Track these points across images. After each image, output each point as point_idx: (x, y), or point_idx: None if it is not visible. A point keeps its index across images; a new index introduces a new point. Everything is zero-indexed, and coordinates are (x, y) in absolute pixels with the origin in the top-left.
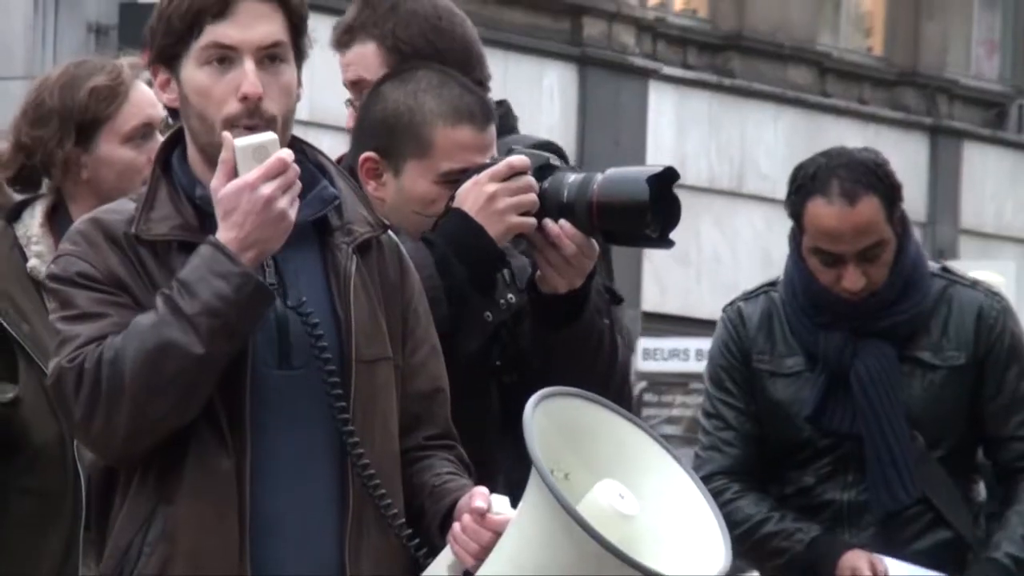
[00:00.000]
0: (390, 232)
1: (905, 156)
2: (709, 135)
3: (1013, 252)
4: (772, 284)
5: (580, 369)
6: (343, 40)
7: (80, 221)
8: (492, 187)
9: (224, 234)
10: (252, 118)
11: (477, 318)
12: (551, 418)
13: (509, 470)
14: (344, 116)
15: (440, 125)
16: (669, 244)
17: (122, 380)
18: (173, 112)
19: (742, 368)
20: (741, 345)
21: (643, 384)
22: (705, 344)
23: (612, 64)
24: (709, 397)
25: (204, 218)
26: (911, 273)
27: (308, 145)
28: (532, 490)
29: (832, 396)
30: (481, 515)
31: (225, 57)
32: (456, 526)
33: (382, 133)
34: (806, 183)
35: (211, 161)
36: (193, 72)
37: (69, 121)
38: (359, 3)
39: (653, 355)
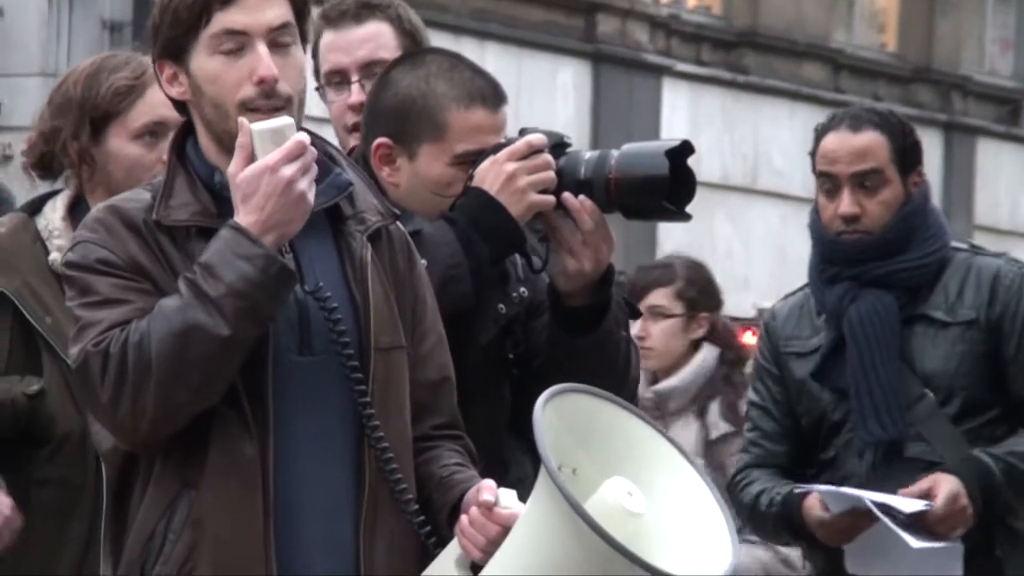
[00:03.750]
0: (398, 223)
1: None
2: (723, 132)
3: None
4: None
5: (593, 378)
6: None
7: (97, 209)
8: (511, 166)
9: (244, 217)
10: (269, 99)
11: (491, 309)
12: (561, 414)
13: (517, 464)
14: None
15: (454, 108)
16: (687, 217)
17: (148, 363)
18: (180, 106)
19: (771, 365)
20: (770, 341)
21: None
22: None
23: (626, 61)
24: (748, 401)
25: (221, 204)
26: (917, 227)
27: (317, 136)
28: (540, 487)
29: (837, 353)
30: (488, 509)
31: (236, 43)
32: (463, 519)
33: (395, 119)
34: (826, 124)
35: (227, 148)
36: (204, 61)
37: (85, 113)
38: None
39: None
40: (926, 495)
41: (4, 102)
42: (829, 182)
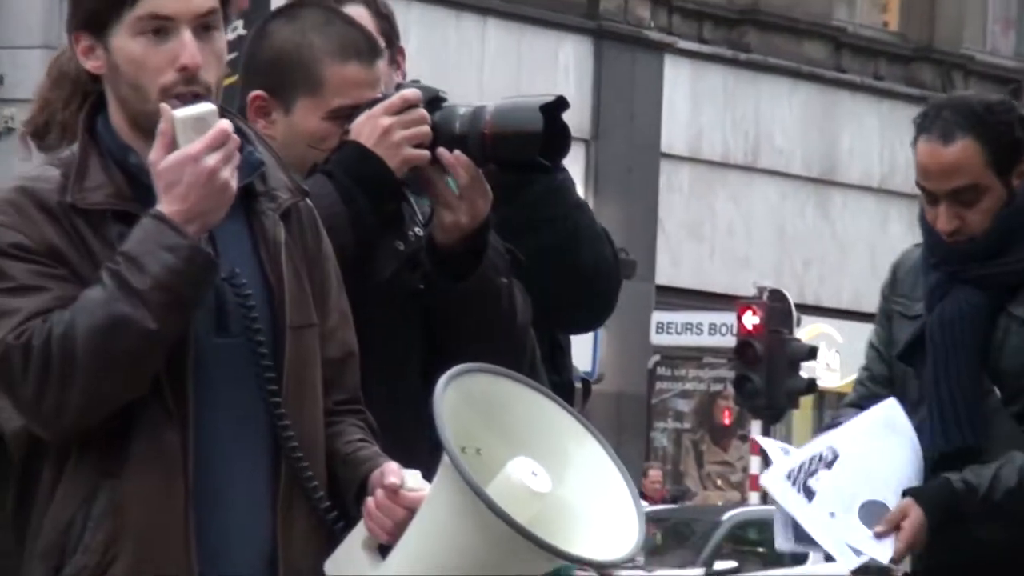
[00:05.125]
0: (307, 199)
1: None
2: (724, 109)
3: None
4: None
5: (477, 326)
6: None
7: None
8: (387, 120)
9: (168, 207)
10: (190, 86)
11: (388, 247)
12: (463, 393)
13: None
14: None
15: (329, 62)
16: (561, 171)
17: (74, 357)
18: (94, 77)
19: (889, 309)
20: (892, 286)
21: (656, 358)
22: (718, 318)
23: (628, 38)
24: (869, 340)
25: (135, 186)
26: (1018, 228)
27: (230, 112)
28: (442, 469)
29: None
30: (394, 492)
31: (161, 27)
32: (370, 502)
33: (271, 72)
34: (921, 122)
35: (142, 129)
36: (126, 42)
37: (79, 87)
38: None
39: (666, 329)
40: (896, 524)
41: (6, 74)
42: (927, 193)
